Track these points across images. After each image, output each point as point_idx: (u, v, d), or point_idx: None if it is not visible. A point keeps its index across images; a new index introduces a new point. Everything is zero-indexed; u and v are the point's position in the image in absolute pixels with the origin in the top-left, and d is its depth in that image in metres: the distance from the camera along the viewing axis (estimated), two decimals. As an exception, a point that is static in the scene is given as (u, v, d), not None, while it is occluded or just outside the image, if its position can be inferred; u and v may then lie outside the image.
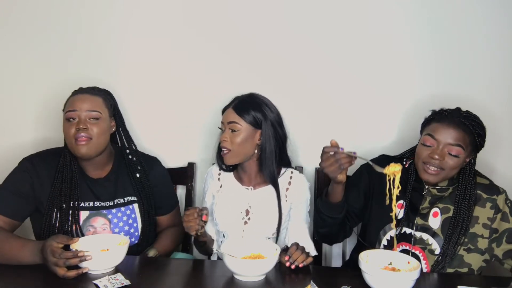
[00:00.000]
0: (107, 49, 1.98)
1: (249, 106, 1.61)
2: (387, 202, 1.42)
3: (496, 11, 1.88)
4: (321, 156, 1.41)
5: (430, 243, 1.47)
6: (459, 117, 1.45)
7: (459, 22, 1.90)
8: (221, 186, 1.70)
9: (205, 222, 1.44)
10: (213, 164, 1.77)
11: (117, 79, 1.97)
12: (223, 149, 1.59)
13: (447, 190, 1.51)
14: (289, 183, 1.66)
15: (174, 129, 2.02)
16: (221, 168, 1.71)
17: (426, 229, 1.49)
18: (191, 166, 1.99)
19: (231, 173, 1.71)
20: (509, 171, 1.93)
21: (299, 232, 1.62)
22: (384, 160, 1.60)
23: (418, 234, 1.49)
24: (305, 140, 1.99)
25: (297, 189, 1.66)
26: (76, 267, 1.27)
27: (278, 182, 1.64)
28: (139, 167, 1.65)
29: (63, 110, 1.56)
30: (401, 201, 1.53)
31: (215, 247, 1.70)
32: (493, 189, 1.50)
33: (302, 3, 1.93)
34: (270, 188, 1.65)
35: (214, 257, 1.72)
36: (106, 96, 1.61)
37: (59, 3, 1.96)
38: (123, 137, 1.67)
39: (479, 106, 1.91)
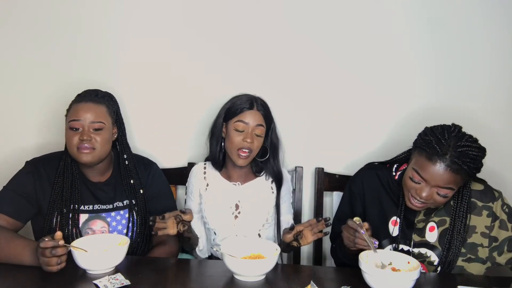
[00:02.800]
0: (107, 50, 1.98)
1: (268, 110, 1.67)
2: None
3: (496, 11, 1.88)
4: (346, 227, 1.36)
5: (428, 255, 1.45)
6: (453, 157, 1.27)
7: (459, 22, 1.90)
8: (207, 185, 1.71)
9: (189, 221, 1.44)
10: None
11: (117, 80, 1.96)
12: (244, 149, 1.59)
13: None
14: None
15: (174, 129, 2.02)
16: (215, 167, 1.72)
17: (424, 244, 1.45)
18: (191, 166, 1.99)
19: (217, 172, 1.73)
20: (508, 172, 1.93)
21: (287, 222, 1.71)
22: (371, 169, 1.58)
23: (416, 250, 1.46)
24: (305, 140, 1.99)
25: (283, 182, 1.74)
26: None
27: (282, 179, 1.72)
28: (133, 174, 1.63)
29: (66, 116, 1.55)
30: (394, 218, 1.48)
31: (202, 244, 1.71)
32: (488, 194, 1.44)
33: (302, 3, 1.93)
34: (256, 181, 1.72)
35: (202, 254, 1.74)
36: (109, 102, 1.59)
37: (59, 4, 1.96)
38: (121, 143, 1.65)
39: (479, 106, 1.93)
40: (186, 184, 1.79)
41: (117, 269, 1.33)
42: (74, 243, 1.33)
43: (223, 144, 1.69)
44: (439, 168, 1.29)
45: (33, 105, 2.01)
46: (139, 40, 1.98)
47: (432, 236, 1.45)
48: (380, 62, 1.94)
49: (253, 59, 1.97)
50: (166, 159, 1.95)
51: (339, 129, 1.99)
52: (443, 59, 1.92)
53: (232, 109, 1.63)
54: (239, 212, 1.67)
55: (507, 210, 1.44)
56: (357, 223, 1.32)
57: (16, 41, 1.98)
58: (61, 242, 1.25)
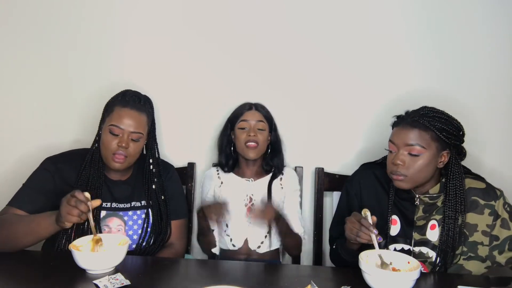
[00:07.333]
0: (108, 50, 1.99)
1: (267, 111, 1.81)
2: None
3: (496, 11, 1.88)
4: (351, 220, 1.35)
5: (430, 255, 1.44)
6: (415, 116, 1.41)
7: (459, 22, 1.90)
8: (222, 182, 1.81)
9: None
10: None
11: (117, 80, 1.96)
12: (251, 142, 1.73)
13: (439, 197, 1.46)
14: (282, 173, 1.85)
15: (174, 129, 2.02)
16: (223, 170, 1.82)
17: (425, 242, 1.44)
18: (191, 166, 1.99)
19: (231, 173, 1.83)
20: (508, 170, 1.93)
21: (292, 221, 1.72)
22: (368, 169, 1.59)
23: (417, 249, 1.45)
24: (305, 140, 2.00)
25: (290, 178, 1.84)
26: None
27: (283, 169, 1.85)
28: (155, 179, 1.65)
29: (104, 113, 1.56)
30: (395, 217, 1.48)
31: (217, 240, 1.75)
32: (490, 193, 1.44)
33: (302, 3, 1.93)
34: (267, 178, 1.82)
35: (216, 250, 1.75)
36: (149, 110, 1.61)
37: (59, 4, 1.96)
38: (150, 147, 1.65)
39: (479, 104, 1.93)
40: (201, 187, 1.87)
41: (117, 269, 1.33)
42: (74, 243, 1.33)
43: (232, 148, 1.83)
44: (403, 128, 1.42)
45: (34, 103, 2.01)
46: (139, 40, 1.98)
47: (433, 234, 1.44)
48: (381, 62, 1.94)
49: (253, 59, 1.97)
50: (166, 159, 1.94)
51: (339, 129, 1.99)
52: (444, 61, 1.92)
53: (235, 115, 1.80)
54: (252, 204, 1.76)
55: (508, 209, 1.44)
56: (366, 216, 1.32)
57: (17, 40, 1.98)
58: (90, 204, 1.30)
